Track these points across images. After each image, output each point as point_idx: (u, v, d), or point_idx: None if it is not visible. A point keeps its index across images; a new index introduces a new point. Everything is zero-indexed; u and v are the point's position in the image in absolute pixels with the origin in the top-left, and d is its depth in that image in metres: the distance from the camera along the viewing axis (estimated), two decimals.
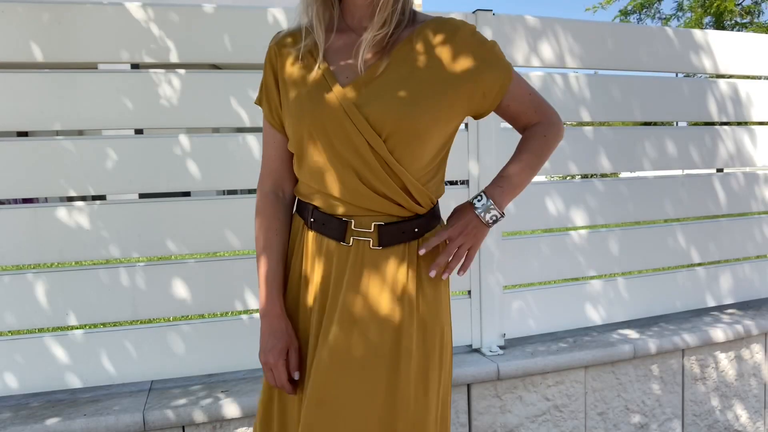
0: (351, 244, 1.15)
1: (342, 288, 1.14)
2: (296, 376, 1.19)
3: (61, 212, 1.77)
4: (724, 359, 2.39)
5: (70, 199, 4.81)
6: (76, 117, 1.77)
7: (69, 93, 1.76)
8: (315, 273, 1.18)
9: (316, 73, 1.14)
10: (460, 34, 1.14)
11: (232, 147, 1.89)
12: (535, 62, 2.18)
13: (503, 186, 1.21)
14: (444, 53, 1.13)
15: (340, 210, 1.15)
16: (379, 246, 1.14)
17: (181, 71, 1.84)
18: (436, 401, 1.16)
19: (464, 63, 1.13)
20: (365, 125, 1.09)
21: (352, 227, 1.14)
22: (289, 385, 1.19)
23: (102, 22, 1.77)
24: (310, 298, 1.19)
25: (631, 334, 2.30)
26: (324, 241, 1.17)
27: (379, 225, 1.14)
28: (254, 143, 1.90)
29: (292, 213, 1.27)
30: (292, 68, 1.18)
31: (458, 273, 1.20)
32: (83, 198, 1.90)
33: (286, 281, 1.24)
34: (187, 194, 6.80)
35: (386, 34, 1.12)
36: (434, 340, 1.17)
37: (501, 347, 2.15)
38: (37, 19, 1.73)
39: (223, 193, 9.10)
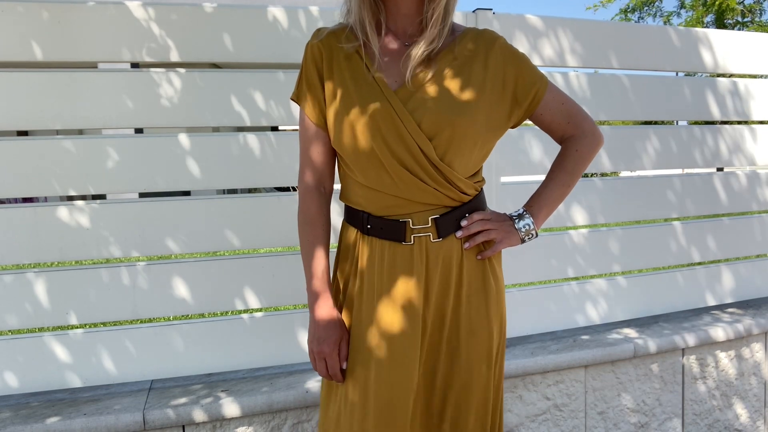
0: (413, 242, 1.21)
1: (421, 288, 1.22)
2: (344, 365, 1.25)
3: (62, 211, 1.77)
4: (725, 358, 2.39)
5: (71, 198, 4.81)
6: (75, 116, 1.77)
7: (69, 92, 1.76)
8: (382, 279, 1.23)
9: (367, 75, 1.20)
10: (496, 45, 1.24)
11: (232, 146, 1.89)
12: (536, 61, 2.18)
13: (541, 209, 1.33)
14: (483, 63, 1.23)
15: (394, 210, 1.22)
16: (438, 238, 1.22)
17: (182, 70, 1.84)
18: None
19: (502, 73, 1.23)
20: (417, 130, 1.16)
21: (411, 226, 1.21)
22: (340, 375, 1.25)
23: (102, 21, 1.77)
24: (383, 305, 1.23)
25: (631, 333, 2.30)
26: (384, 246, 1.23)
27: (435, 218, 1.22)
28: (254, 143, 1.89)
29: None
30: (339, 67, 1.23)
31: (476, 255, 1.28)
32: (83, 197, 1.91)
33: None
34: (187, 193, 6.79)
35: (434, 49, 1.20)
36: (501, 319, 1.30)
37: None
38: (37, 18, 1.72)
39: (223, 192, 9.09)
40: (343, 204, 1.33)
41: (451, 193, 1.22)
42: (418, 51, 1.18)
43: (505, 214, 1.33)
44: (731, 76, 2.76)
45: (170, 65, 1.86)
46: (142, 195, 2.02)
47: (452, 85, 1.19)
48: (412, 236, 1.21)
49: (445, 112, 1.17)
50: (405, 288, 1.21)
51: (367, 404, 1.19)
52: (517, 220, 1.31)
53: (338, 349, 1.24)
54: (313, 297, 1.26)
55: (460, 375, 1.24)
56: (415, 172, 1.18)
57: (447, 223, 1.23)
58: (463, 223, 1.25)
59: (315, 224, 1.28)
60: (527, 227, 1.31)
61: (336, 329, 1.24)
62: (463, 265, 1.25)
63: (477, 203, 1.28)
